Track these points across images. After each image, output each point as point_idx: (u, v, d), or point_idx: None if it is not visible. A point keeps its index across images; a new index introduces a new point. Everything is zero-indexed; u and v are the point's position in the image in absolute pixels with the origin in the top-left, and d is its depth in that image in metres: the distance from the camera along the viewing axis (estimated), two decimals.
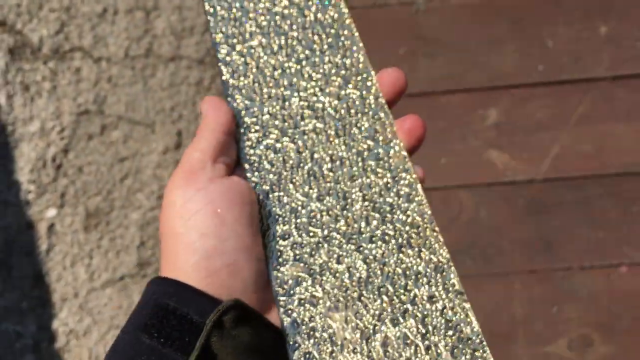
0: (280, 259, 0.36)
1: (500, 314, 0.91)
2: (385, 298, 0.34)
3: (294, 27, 0.43)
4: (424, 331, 0.34)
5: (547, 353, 0.89)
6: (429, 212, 0.37)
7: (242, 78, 0.41)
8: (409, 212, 0.37)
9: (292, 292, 0.35)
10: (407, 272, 0.35)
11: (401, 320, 0.34)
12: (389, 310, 0.34)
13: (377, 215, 0.37)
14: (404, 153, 0.39)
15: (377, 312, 0.34)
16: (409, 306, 0.34)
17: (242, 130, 0.39)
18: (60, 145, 1.02)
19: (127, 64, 1.06)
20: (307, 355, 0.33)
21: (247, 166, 0.38)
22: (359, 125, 0.40)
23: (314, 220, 0.37)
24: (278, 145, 0.39)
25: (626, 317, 0.90)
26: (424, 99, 0.99)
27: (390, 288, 0.35)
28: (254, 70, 0.41)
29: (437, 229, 0.37)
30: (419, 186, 0.38)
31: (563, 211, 0.94)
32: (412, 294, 0.35)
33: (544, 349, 0.90)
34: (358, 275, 0.35)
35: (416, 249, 0.36)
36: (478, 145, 0.97)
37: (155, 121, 1.04)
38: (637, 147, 0.95)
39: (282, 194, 0.38)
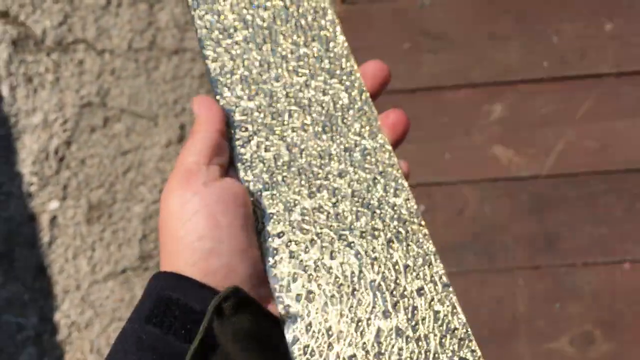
0: (276, 257, 0.37)
1: (503, 311, 0.90)
2: (377, 292, 0.36)
3: (278, 21, 0.43)
4: (413, 323, 0.35)
5: (549, 350, 0.89)
6: (415, 206, 0.38)
7: (228, 75, 0.41)
8: (396, 207, 0.38)
9: (289, 288, 0.36)
10: (397, 267, 0.36)
11: (392, 312, 0.35)
12: (381, 303, 0.35)
13: (366, 210, 0.38)
14: (389, 147, 0.40)
15: (370, 306, 0.35)
16: (399, 299, 0.35)
17: (232, 130, 0.40)
18: (62, 137, 1.02)
19: (130, 57, 1.06)
20: (306, 349, 0.34)
21: (239, 165, 0.39)
22: (344, 120, 0.40)
23: (306, 217, 0.38)
24: (268, 143, 0.40)
25: (629, 314, 0.89)
26: (429, 94, 0.99)
27: (382, 282, 0.36)
28: (241, 66, 0.42)
29: (423, 222, 0.38)
30: (404, 181, 0.39)
31: (567, 207, 0.93)
32: (401, 288, 0.36)
33: (546, 346, 0.89)
34: (350, 270, 0.36)
35: (404, 243, 0.37)
36: (483, 141, 0.97)
37: (158, 114, 1.04)
38: None
39: (275, 192, 0.38)
